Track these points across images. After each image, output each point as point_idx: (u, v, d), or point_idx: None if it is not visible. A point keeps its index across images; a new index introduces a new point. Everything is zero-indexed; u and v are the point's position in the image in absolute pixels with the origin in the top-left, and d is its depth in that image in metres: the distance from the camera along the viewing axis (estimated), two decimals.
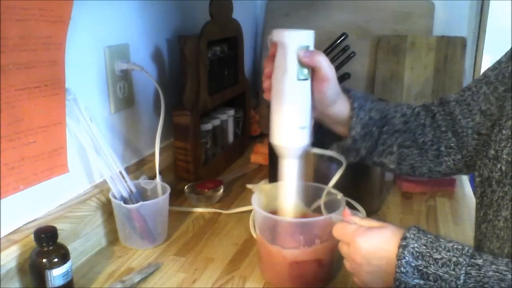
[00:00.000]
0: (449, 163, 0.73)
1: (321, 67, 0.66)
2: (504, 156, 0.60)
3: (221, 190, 1.06)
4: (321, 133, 0.75)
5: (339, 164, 0.74)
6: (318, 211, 0.78)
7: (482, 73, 0.72)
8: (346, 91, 0.72)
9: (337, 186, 0.76)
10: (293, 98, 0.66)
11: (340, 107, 0.71)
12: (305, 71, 0.66)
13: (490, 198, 0.62)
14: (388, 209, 1.04)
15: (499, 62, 0.69)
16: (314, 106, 0.69)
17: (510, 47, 0.68)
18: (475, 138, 0.70)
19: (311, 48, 0.66)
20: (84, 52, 0.83)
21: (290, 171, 0.70)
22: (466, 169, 0.73)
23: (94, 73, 0.87)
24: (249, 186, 1.14)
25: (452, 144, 0.73)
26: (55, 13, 0.70)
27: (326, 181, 0.78)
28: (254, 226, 0.92)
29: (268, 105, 0.69)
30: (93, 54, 0.86)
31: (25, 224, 0.73)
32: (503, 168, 0.60)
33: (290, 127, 0.67)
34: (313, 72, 0.67)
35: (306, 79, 0.66)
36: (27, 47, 0.67)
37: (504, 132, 0.61)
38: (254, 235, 0.90)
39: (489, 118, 0.68)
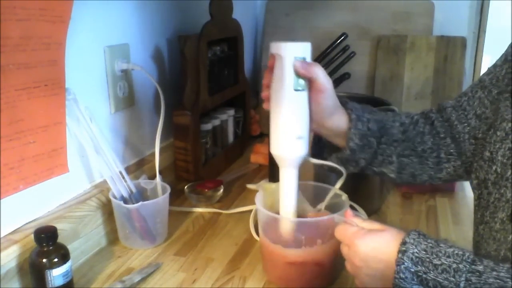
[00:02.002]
0: (449, 169, 0.74)
1: (317, 78, 0.67)
2: (499, 158, 0.60)
3: (221, 190, 1.06)
4: (321, 145, 0.76)
5: (339, 173, 0.75)
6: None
7: (478, 78, 0.72)
8: (344, 103, 0.73)
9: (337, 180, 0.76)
10: (290, 108, 0.68)
11: (338, 119, 0.72)
12: (302, 82, 0.67)
13: (487, 200, 0.62)
14: (388, 209, 1.04)
15: (494, 66, 0.69)
16: (312, 118, 0.70)
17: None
18: (472, 143, 0.70)
19: (308, 59, 0.68)
20: (84, 52, 0.83)
21: (289, 180, 0.71)
22: (466, 175, 0.73)
23: (94, 73, 0.87)
24: (249, 186, 1.14)
25: (452, 151, 0.73)
26: (55, 13, 0.70)
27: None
28: (254, 226, 0.92)
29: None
30: (93, 54, 0.86)
31: (25, 224, 0.73)
32: (498, 170, 0.60)
33: (287, 136, 0.69)
34: (310, 83, 0.68)
35: (303, 90, 0.68)
36: (27, 47, 0.67)
37: (498, 133, 0.61)
38: (254, 235, 0.90)
39: (484, 121, 0.68)
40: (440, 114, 0.75)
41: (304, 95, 0.68)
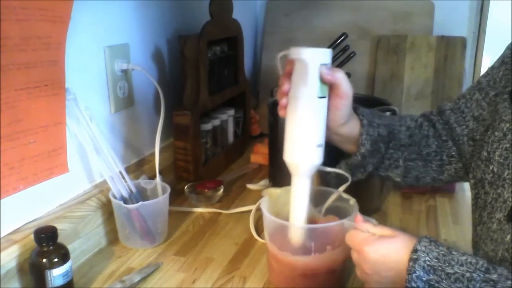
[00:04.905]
0: (450, 171, 0.74)
1: (341, 84, 0.66)
2: (496, 158, 0.60)
3: (221, 190, 1.06)
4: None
5: (341, 177, 0.74)
6: (328, 214, 0.77)
7: (476, 80, 0.72)
8: (354, 108, 0.72)
9: (338, 187, 0.76)
10: (312, 115, 0.66)
11: (351, 126, 0.71)
12: (325, 88, 0.66)
13: (484, 200, 0.62)
14: (388, 209, 1.04)
15: (491, 68, 0.69)
16: (327, 125, 0.68)
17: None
18: (471, 145, 0.70)
19: (330, 65, 0.66)
20: (84, 52, 0.83)
21: (302, 190, 0.70)
22: (466, 176, 0.73)
23: (94, 73, 0.87)
24: (249, 186, 1.14)
25: (453, 153, 0.73)
26: (55, 13, 0.70)
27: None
28: (254, 226, 0.92)
29: (269, 107, 0.68)
30: (93, 54, 0.86)
31: (25, 224, 0.73)
32: (495, 169, 0.60)
33: (307, 145, 0.67)
34: (331, 90, 0.67)
35: (325, 97, 0.66)
36: (27, 47, 0.67)
37: (496, 134, 0.61)
38: (255, 235, 0.90)
39: (482, 123, 0.68)
40: (440, 116, 0.75)
41: (325, 102, 0.67)
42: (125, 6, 0.94)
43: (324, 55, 0.66)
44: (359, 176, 0.75)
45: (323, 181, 0.81)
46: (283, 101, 0.68)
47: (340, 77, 0.66)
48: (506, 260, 0.56)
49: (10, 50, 0.64)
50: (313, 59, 0.64)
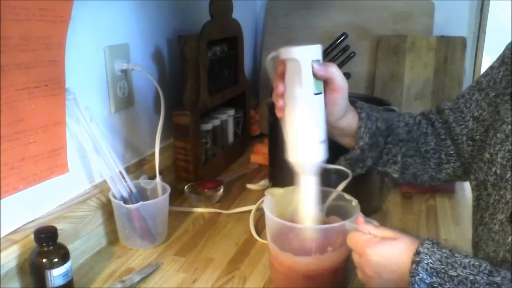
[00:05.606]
0: (448, 170, 0.74)
1: (335, 78, 0.66)
2: (499, 160, 0.60)
3: (221, 190, 1.06)
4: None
5: (340, 174, 0.74)
6: (330, 214, 0.77)
7: (475, 80, 0.72)
8: (352, 102, 0.72)
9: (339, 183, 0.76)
10: (311, 113, 0.66)
11: (349, 119, 0.71)
12: (320, 84, 0.66)
13: (486, 201, 0.62)
14: (388, 209, 1.04)
15: (491, 67, 0.69)
16: (326, 120, 0.68)
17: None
18: (470, 145, 0.70)
19: (321, 61, 0.66)
20: (84, 52, 0.83)
21: (310, 188, 0.70)
22: (464, 175, 0.73)
23: (94, 73, 0.87)
24: (249, 186, 1.14)
25: (452, 152, 0.73)
26: (55, 13, 0.70)
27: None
28: (254, 226, 0.92)
29: (268, 107, 0.68)
30: (93, 54, 0.86)
31: (25, 224, 0.73)
32: (498, 171, 0.60)
33: (310, 142, 0.67)
34: (326, 84, 0.67)
35: (321, 93, 0.66)
36: (27, 47, 0.67)
37: (498, 135, 0.61)
38: (255, 235, 0.90)
39: (481, 123, 0.68)
40: (439, 115, 0.75)
41: (322, 97, 0.67)
42: (125, 6, 0.94)
43: (315, 51, 0.66)
44: (359, 171, 0.75)
45: (323, 178, 0.81)
46: (280, 103, 0.68)
47: (333, 71, 0.66)
48: (507, 261, 0.56)
49: (10, 50, 0.64)
50: (304, 57, 0.64)
